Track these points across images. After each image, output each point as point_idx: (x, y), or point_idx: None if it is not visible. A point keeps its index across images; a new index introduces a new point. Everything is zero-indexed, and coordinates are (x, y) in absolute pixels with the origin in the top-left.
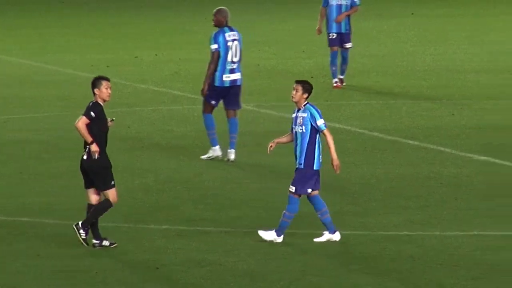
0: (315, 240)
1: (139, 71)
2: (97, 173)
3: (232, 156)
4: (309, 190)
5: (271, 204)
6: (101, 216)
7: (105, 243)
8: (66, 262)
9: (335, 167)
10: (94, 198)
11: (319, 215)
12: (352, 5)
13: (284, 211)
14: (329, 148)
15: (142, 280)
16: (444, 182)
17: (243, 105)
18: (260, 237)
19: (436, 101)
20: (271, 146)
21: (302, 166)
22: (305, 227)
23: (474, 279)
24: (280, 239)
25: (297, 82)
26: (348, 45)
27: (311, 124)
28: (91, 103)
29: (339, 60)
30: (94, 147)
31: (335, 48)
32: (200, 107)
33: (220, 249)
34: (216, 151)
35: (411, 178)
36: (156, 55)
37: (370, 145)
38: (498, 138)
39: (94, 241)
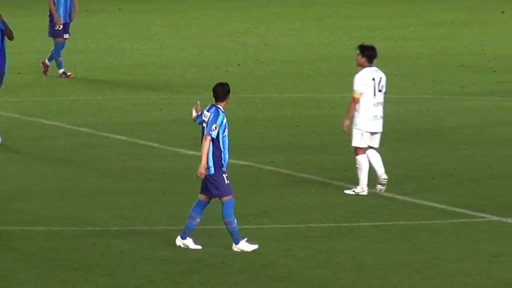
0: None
1: None
2: None
3: None
4: None
5: None
6: None
7: None
8: None
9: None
10: None
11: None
12: None
13: (231, 219)
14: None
15: None
16: (153, 177)
17: None
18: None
19: (144, 97)
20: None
21: None
22: (16, 223)
23: (183, 273)
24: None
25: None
26: (67, 35)
27: None
28: None
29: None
30: None
31: (61, 39)
32: None
33: None
34: None
35: (119, 173)
36: None
37: (79, 141)
38: None
39: None
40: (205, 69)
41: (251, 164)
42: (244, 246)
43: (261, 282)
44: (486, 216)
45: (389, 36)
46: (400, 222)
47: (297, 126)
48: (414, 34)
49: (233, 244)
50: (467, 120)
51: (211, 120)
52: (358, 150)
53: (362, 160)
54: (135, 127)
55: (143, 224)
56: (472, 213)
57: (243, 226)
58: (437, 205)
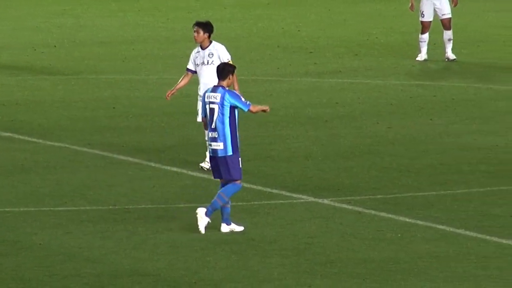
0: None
1: None
2: None
3: None
4: None
5: None
6: None
7: None
8: None
9: None
10: None
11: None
12: None
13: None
14: None
15: None
16: None
17: None
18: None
19: None
20: None
21: None
22: None
23: None
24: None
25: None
26: None
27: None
28: None
29: None
30: None
31: None
32: None
33: None
34: None
35: None
36: None
37: None
38: (21, 114)
39: None
40: (21, 51)
41: (67, 145)
42: (235, 227)
43: (77, 264)
44: (302, 197)
45: (206, 17)
46: None
47: (113, 107)
48: (231, 16)
49: (224, 224)
50: (283, 101)
51: (234, 96)
52: None
53: None
54: None
55: None
56: (288, 194)
57: (59, 208)
58: (253, 186)
